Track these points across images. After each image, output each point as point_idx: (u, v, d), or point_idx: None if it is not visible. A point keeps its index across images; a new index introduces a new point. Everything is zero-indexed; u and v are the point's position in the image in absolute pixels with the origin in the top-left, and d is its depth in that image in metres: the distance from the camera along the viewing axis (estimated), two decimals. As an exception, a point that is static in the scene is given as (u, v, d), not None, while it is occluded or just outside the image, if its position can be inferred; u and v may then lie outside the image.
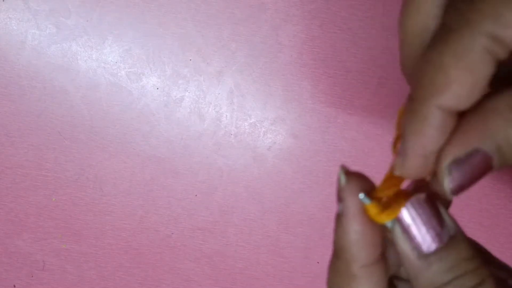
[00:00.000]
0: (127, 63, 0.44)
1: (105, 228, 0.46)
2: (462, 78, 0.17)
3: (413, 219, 0.19)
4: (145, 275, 0.47)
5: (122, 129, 0.45)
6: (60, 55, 0.44)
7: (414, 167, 0.19)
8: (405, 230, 0.19)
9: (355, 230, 0.19)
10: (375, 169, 0.45)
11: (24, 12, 0.44)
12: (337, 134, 0.45)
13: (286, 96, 0.45)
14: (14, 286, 0.47)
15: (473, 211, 0.46)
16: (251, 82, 0.44)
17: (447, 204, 0.21)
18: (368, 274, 0.20)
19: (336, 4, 0.44)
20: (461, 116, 0.18)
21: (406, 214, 0.19)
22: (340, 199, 0.20)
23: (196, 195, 0.46)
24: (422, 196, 0.19)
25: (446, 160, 0.18)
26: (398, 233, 0.19)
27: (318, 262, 0.47)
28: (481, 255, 0.19)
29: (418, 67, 0.18)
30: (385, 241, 0.20)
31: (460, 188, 0.18)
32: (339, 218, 0.20)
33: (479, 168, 0.18)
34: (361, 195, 0.19)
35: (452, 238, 0.19)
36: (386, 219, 0.19)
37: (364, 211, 0.19)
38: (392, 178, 0.20)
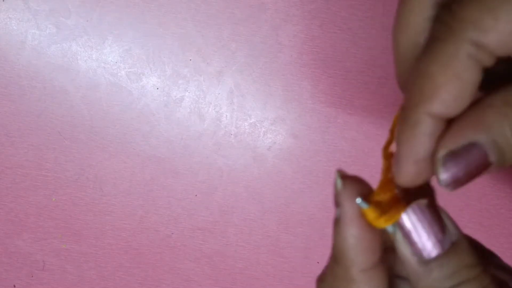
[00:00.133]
0: (127, 63, 0.44)
1: (105, 228, 0.46)
2: (449, 84, 0.17)
3: (413, 225, 0.19)
4: (145, 275, 0.47)
5: (122, 129, 0.45)
6: (60, 55, 0.44)
7: (408, 174, 0.19)
8: (406, 235, 0.19)
9: (353, 234, 0.19)
10: (375, 169, 0.45)
11: (24, 12, 0.44)
12: (337, 134, 0.45)
13: (286, 96, 0.45)
14: (14, 286, 0.47)
15: (473, 211, 0.46)
16: (251, 82, 0.44)
17: (430, 193, 0.21)
18: (367, 279, 0.19)
19: (336, 4, 0.44)
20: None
21: (407, 220, 0.19)
22: (337, 204, 0.20)
23: (196, 195, 0.46)
24: (423, 201, 0.19)
25: (441, 152, 0.18)
26: (399, 237, 0.19)
27: (318, 262, 0.47)
28: (482, 257, 0.19)
29: (409, 78, 0.19)
30: (385, 243, 0.20)
31: (454, 181, 0.18)
32: (337, 222, 0.20)
33: (475, 162, 0.18)
34: (358, 200, 0.19)
35: (454, 244, 0.19)
36: (384, 224, 0.19)
37: (361, 215, 0.19)
38: (387, 182, 0.20)
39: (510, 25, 0.16)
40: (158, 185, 0.46)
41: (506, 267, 0.22)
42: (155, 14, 0.44)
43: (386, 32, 0.44)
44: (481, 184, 0.46)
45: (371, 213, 0.19)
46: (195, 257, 0.46)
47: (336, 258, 0.20)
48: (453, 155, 0.18)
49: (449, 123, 0.18)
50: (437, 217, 0.19)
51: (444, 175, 0.18)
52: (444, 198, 0.19)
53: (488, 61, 0.17)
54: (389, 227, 0.19)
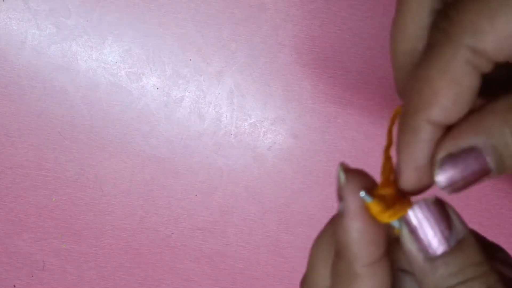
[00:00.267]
0: (127, 63, 0.44)
1: (105, 228, 0.46)
2: (447, 90, 0.17)
3: (419, 221, 0.19)
4: (145, 275, 0.47)
5: (122, 129, 0.45)
6: (60, 55, 0.44)
7: (409, 180, 0.19)
8: (412, 232, 0.19)
9: (356, 228, 0.19)
10: (375, 169, 0.45)
11: (24, 12, 0.44)
12: (337, 134, 0.45)
13: (286, 96, 0.45)
14: (14, 286, 0.47)
15: (473, 211, 0.46)
16: (251, 82, 0.44)
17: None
18: (371, 273, 0.19)
19: (336, 4, 0.44)
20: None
21: (413, 216, 0.19)
22: (340, 198, 0.19)
23: (196, 195, 0.46)
24: (431, 198, 0.19)
25: (440, 154, 0.18)
26: (404, 233, 0.19)
27: (318, 262, 0.47)
28: (489, 254, 0.19)
29: (408, 84, 0.19)
30: (389, 236, 0.20)
31: (451, 183, 0.18)
32: (340, 217, 0.19)
33: (473, 166, 0.18)
34: (362, 193, 0.19)
35: (460, 242, 0.19)
36: (389, 219, 0.19)
37: (365, 209, 0.19)
38: (388, 181, 0.20)
39: (506, 31, 0.16)
40: (158, 185, 0.46)
41: None
42: (155, 14, 0.44)
43: (386, 32, 0.44)
44: (481, 184, 0.46)
45: (375, 207, 0.19)
46: (195, 257, 0.46)
47: (339, 253, 0.20)
48: (451, 158, 0.18)
49: (448, 129, 0.18)
50: (444, 214, 0.19)
51: (441, 176, 0.18)
52: (444, 198, 0.19)
53: (486, 67, 0.17)
54: (395, 222, 0.19)
